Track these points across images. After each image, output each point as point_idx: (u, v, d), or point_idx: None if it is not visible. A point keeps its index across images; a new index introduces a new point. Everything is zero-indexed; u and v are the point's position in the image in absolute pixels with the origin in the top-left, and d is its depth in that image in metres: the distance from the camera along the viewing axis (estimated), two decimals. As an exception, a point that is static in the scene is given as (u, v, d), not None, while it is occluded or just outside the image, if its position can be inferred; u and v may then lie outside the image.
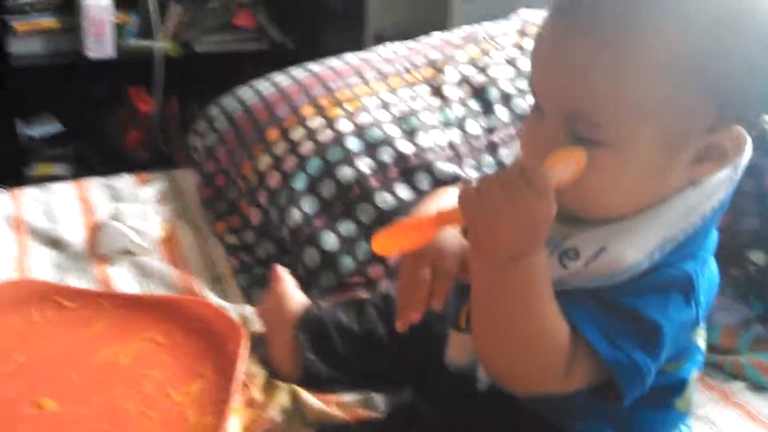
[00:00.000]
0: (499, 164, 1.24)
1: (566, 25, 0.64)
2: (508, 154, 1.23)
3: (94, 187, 1.34)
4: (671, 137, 0.64)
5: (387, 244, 0.71)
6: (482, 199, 0.62)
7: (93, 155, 2.28)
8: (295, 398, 0.91)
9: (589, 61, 0.62)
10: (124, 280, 1.12)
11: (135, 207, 1.21)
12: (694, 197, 0.68)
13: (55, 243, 1.18)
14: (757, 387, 0.98)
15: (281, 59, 1.53)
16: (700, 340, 0.76)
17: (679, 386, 0.74)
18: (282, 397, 0.92)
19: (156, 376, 0.94)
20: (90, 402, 0.90)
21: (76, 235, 1.20)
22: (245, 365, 0.93)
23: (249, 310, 1.06)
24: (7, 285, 1.07)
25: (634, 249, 0.66)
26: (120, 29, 2.14)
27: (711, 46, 0.62)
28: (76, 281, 1.10)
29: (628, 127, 0.63)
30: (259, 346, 0.98)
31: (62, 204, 1.29)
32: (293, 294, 1.01)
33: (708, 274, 0.71)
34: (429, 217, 0.68)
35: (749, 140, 0.67)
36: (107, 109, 2.31)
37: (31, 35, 2.08)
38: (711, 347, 0.97)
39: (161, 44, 2.18)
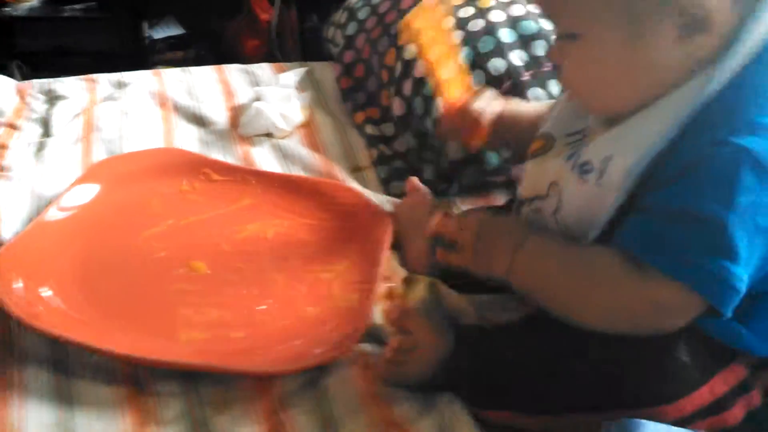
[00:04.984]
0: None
1: None
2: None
3: (234, 71, 1.33)
4: (633, 17, 0.64)
5: None
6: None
7: (211, 60, 2.27)
8: (433, 290, 0.88)
9: None
10: (266, 160, 1.10)
11: (278, 90, 1.19)
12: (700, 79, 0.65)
13: (199, 120, 1.18)
14: None
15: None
16: None
17: None
18: (421, 290, 0.89)
19: (302, 253, 0.93)
20: (239, 269, 0.89)
21: (219, 114, 1.20)
22: (389, 255, 0.91)
23: (386, 200, 1.03)
24: (159, 152, 1.07)
25: (635, 151, 0.65)
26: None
27: None
28: (220, 158, 1.09)
29: (587, 14, 0.66)
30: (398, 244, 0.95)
31: (204, 85, 1.28)
32: (428, 205, 0.98)
33: None
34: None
35: None
36: (228, 15, 2.30)
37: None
38: None
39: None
